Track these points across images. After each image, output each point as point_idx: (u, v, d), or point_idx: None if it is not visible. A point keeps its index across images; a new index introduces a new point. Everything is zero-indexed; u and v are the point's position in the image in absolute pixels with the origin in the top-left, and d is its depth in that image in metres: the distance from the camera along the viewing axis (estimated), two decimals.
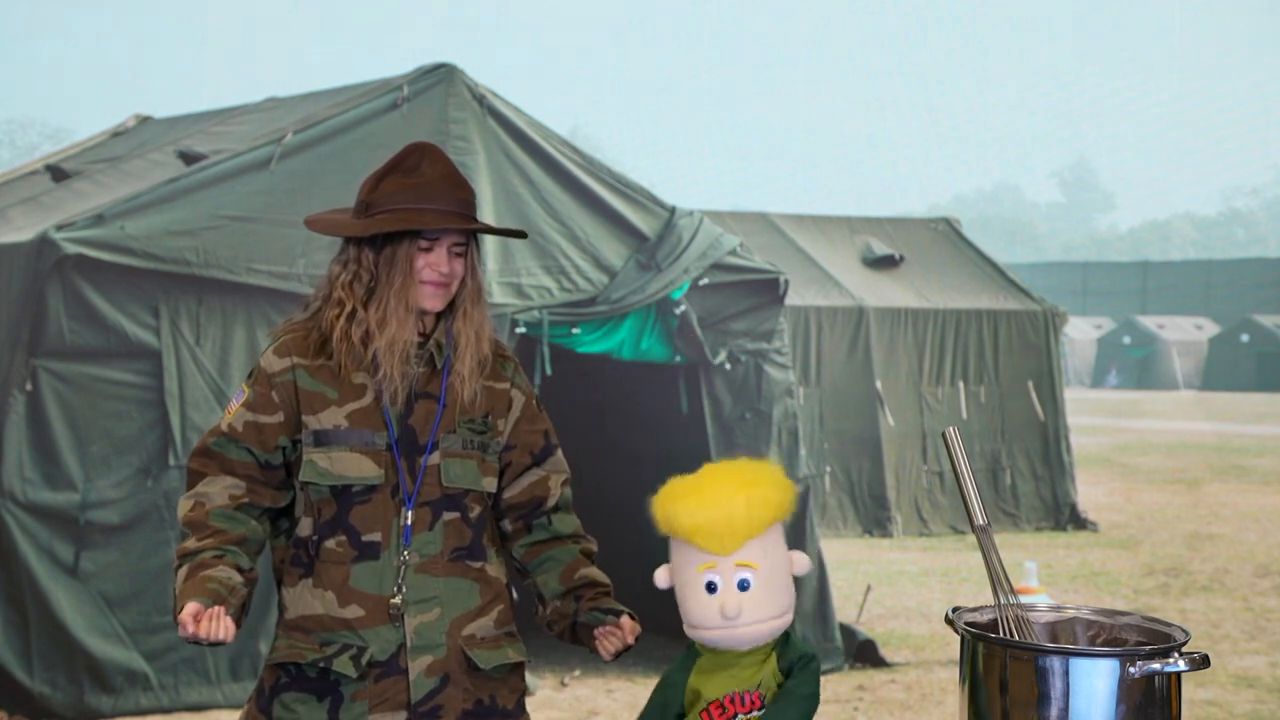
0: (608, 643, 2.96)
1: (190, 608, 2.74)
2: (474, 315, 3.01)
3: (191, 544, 2.86)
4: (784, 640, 2.67)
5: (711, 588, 2.60)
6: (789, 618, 2.66)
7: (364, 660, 2.86)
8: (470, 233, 3.01)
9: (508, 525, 3.09)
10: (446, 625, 2.91)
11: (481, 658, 2.93)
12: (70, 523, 6.24)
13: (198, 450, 2.97)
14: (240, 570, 2.86)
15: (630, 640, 2.96)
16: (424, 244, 2.95)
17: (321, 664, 2.87)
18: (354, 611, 2.88)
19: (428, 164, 2.99)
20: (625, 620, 2.96)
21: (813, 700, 2.59)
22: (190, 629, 2.74)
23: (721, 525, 2.62)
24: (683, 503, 2.65)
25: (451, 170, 3.01)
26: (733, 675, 2.62)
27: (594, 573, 3.07)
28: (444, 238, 2.96)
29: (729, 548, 2.61)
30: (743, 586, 2.59)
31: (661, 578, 2.72)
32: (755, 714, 2.58)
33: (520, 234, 3.26)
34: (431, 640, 2.90)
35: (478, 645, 2.94)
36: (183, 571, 2.83)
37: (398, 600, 2.87)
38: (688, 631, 2.71)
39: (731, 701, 2.61)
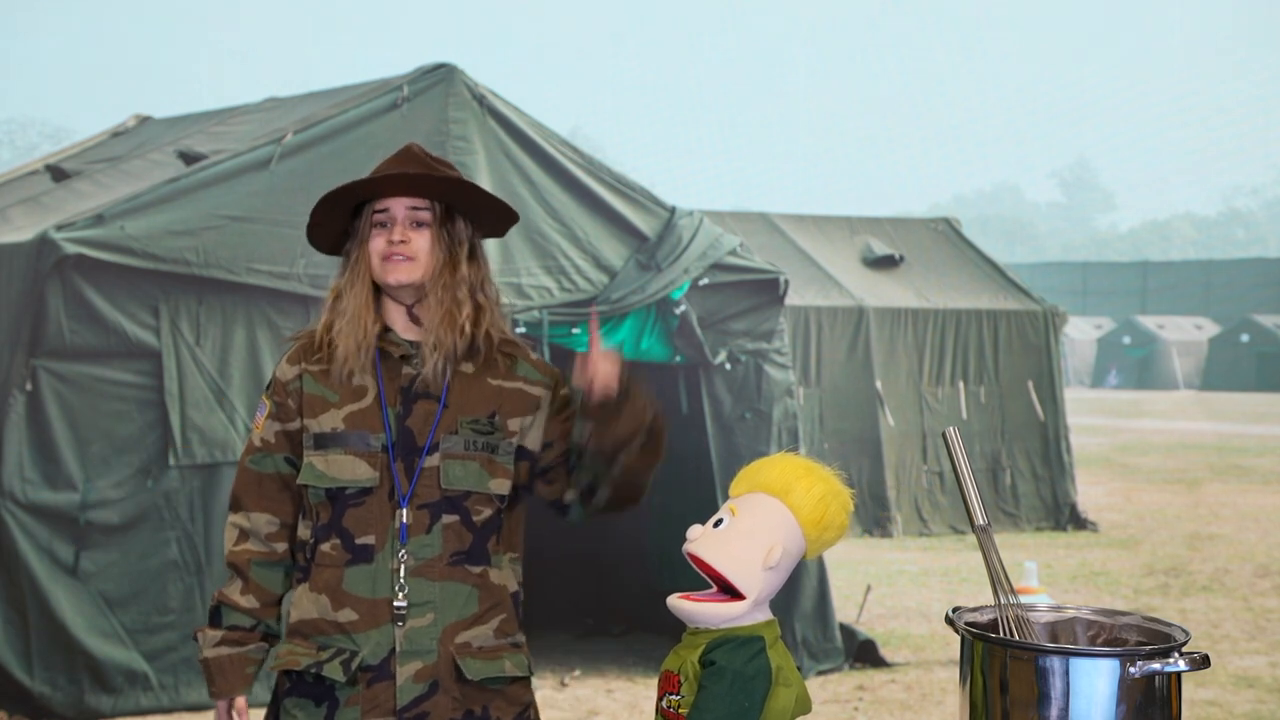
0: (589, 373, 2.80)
1: (240, 704, 2.94)
2: (440, 294, 2.91)
3: (232, 596, 2.97)
4: (728, 638, 2.50)
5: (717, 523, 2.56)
6: (734, 611, 2.50)
7: (354, 665, 2.85)
8: (443, 205, 2.93)
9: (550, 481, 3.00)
10: (439, 631, 2.86)
11: (471, 667, 2.87)
12: (70, 523, 6.24)
13: (239, 470, 3.01)
14: (268, 637, 3.00)
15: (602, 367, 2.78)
16: (378, 217, 2.92)
17: (314, 669, 2.87)
18: (347, 615, 2.86)
19: (400, 150, 2.97)
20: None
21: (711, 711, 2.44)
22: None
23: (754, 466, 2.59)
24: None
25: (415, 150, 2.95)
26: (676, 653, 2.56)
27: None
28: (396, 210, 2.91)
29: (739, 488, 2.57)
30: (717, 524, 2.55)
31: None
32: (674, 697, 2.51)
33: (507, 211, 3.04)
34: (422, 646, 2.86)
35: (471, 654, 2.88)
36: (220, 635, 2.96)
37: (401, 602, 2.85)
38: None
39: (666, 679, 2.55)
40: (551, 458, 2.99)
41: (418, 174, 2.88)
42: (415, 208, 2.91)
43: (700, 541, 2.54)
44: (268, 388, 3.01)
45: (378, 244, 2.91)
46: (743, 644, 2.49)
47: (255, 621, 2.96)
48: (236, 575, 2.96)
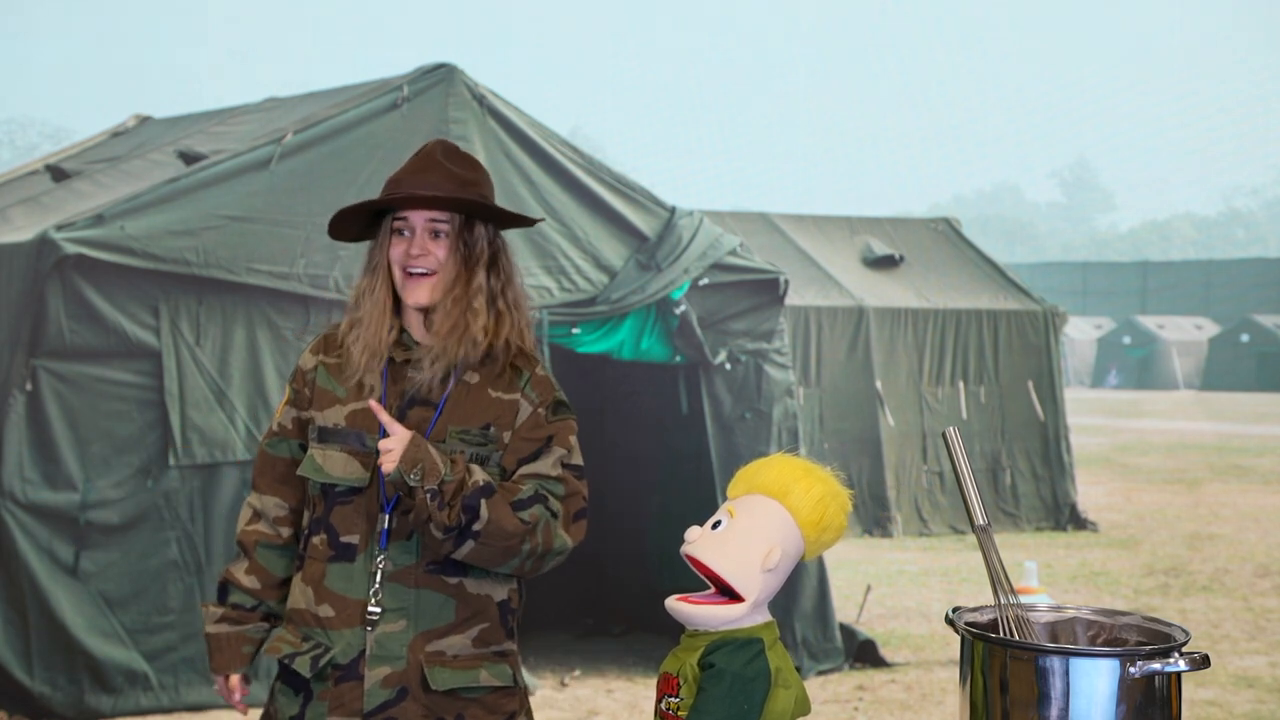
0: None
1: (234, 682, 3.04)
2: (449, 306, 2.90)
3: (237, 575, 3.03)
4: (727, 640, 2.49)
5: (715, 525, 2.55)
6: (733, 613, 2.49)
7: (322, 662, 2.87)
8: (463, 212, 2.91)
9: None
10: (409, 638, 2.86)
11: (437, 677, 2.86)
12: (70, 523, 6.24)
13: (258, 452, 3.09)
14: (270, 618, 3.04)
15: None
16: (397, 224, 2.92)
17: (286, 660, 2.91)
18: (326, 611, 2.89)
19: (423, 151, 2.97)
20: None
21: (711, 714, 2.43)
22: (233, 699, 3.07)
23: (752, 468, 2.57)
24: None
25: (438, 155, 2.94)
26: (675, 655, 2.56)
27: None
28: (415, 219, 2.90)
29: (737, 489, 2.56)
30: (715, 525, 2.53)
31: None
32: (673, 700, 2.50)
33: (520, 219, 3.04)
34: (391, 651, 2.86)
35: (444, 663, 2.87)
36: (222, 612, 3.03)
37: (375, 607, 2.85)
38: None
39: (665, 681, 2.55)
40: (503, 463, 2.94)
41: (434, 196, 2.87)
42: (434, 219, 2.90)
43: (699, 543, 2.53)
44: (292, 375, 3.08)
45: (397, 252, 2.92)
46: (742, 646, 2.48)
47: (257, 602, 3.02)
48: (243, 554, 3.04)
